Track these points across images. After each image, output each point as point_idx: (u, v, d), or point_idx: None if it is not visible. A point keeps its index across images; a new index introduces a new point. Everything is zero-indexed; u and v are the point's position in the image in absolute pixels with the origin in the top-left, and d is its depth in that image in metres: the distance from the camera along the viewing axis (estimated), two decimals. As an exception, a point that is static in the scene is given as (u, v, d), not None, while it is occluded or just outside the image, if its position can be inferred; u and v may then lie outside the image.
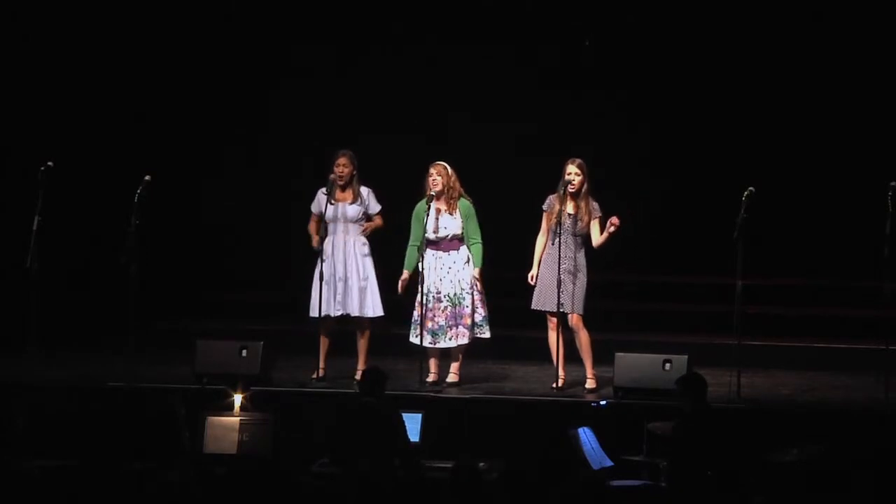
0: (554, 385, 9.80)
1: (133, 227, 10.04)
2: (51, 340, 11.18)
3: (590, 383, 9.85)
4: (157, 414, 9.48)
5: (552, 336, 9.77)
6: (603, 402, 9.42)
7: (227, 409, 9.41)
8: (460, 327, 9.92)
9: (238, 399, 9.38)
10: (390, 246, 10.35)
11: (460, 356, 10.00)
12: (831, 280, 12.32)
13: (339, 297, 10.15)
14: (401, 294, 10.07)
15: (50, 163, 10.24)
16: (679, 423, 7.98)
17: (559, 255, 9.58)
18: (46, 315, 10.87)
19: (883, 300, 9.71)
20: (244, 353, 10.18)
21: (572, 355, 9.91)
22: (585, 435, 8.51)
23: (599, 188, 9.99)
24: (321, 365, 10.18)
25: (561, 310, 9.62)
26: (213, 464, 8.91)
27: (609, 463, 8.59)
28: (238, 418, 9.35)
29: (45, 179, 10.20)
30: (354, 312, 10.14)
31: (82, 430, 9.56)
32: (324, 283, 10.11)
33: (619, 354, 9.68)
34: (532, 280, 9.84)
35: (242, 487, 7.86)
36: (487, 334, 10.03)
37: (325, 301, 10.08)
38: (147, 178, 10.06)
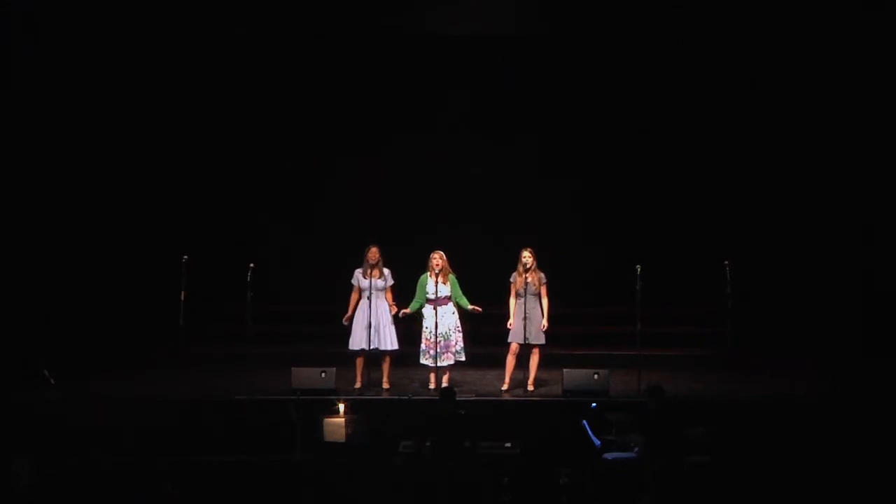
0: (503, 388, 14.17)
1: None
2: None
3: (530, 388, 14.18)
4: (277, 417, 12.71)
5: (511, 358, 14.18)
6: (594, 405, 12.46)
7: (335, 412, 12.52)
8: (448, 353, 14.18)
9: (342, 406, 12.69)
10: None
11: (448, 371, 14.21)
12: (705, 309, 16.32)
13: (372, 337, 14.06)
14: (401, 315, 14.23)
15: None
16: (650, 415, 11.17)
17: (525, 308, 14.07)
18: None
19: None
20: (323, 374, 13.59)
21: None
22: (587, 424, 11.73)
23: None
24: (360, 379, 14.29)
25: (527, 341, 13.98)
26: (329, 450, 12.21)
27: (598, 443, 11.61)
28: (344, 418, 12.40)
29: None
30: (382, 347, 14.32)
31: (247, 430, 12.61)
32: (362, 328, 14.13)
33: (565, 370, 13.75)
34: (509, 325, 14.18)
35: (353, 463, 11.59)
36: (463, 358, 14.31)
37: (363, 339, 14.16)
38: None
